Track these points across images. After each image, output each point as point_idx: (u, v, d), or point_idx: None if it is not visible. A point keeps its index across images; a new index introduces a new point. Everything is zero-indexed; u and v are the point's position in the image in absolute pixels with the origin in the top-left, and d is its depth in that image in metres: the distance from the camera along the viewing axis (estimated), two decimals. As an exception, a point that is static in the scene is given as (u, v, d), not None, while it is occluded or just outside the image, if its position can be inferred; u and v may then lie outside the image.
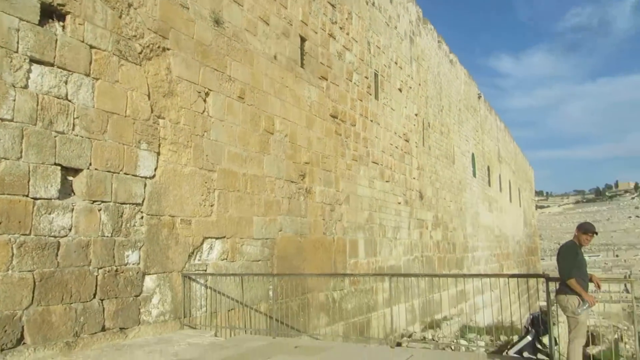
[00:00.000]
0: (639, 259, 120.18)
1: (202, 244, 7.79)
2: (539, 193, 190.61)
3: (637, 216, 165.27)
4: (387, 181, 14.68)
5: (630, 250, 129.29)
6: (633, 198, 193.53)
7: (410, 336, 13.39)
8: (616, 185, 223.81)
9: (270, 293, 8.47)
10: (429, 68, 19.12)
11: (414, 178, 16.79)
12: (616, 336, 21.14)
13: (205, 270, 7.83)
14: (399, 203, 15.52)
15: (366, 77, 13.76)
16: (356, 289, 12.46)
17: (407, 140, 16.40)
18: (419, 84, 17.88)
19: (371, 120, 13.90)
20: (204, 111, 8.03)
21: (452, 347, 10.49)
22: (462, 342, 11.38)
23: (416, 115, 17.44)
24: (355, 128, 12.96)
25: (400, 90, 16.11)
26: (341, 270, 11.64)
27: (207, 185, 7.96)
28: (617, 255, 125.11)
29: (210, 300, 7.80)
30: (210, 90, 8.19)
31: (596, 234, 5.78)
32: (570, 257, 5.58)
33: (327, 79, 11.72)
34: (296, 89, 10.52)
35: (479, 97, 27.09)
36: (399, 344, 10.63)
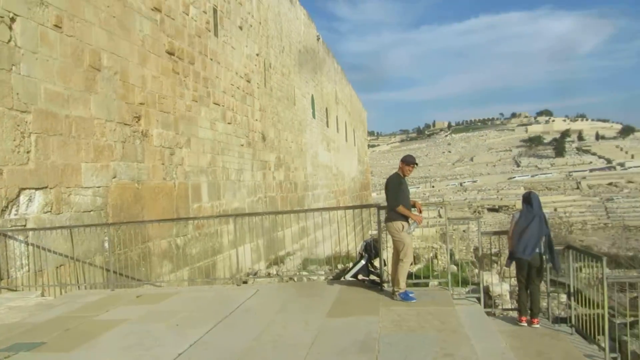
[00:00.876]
0: (450, 188, 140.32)
1: (18, 196, 6.83)
2: (370, 133, 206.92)
3: (450, 152, 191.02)
4: (229, 123, 14.41)
5: (443, 181, 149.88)
6: (446, 136, 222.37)
7: (256, 274, 13.84)
8: (434, 124, 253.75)
9: (106, 244, 7.90)
10: (270, 7, 18.78)
11: (256, 120, 16.76)
12: (432, 255, 24.64)
13: (25, 226, 6.92)
14: (242, 145, 15.45)
15: (204, 12, 12.98)
16: (201, 233, 12.31)
17: (248, 81, 16.15)
18: (260, 23, 17.51)
19: (211, 59, 13.30)
20: (10, 40, 6.79)
21: (295, 279, 11.13)
22: (304, 273, 12.14)
23: (257, 55, 17.17)
24: (194, 67, 12.29)
25: (240, 28, 15.60)
26: (184, 215, 11.33)
27: (21, 128, 6.89)
28: (433, 186, 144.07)
29: (34, 258, 6.98)
30: (17, 15, 6.91)
31: (417, 165, 6.47)
32: (396, 187, 6.22)
33: (161, 11, 10.75)
34: (125, 21, 9.47)
35: (318, 39, 27.67)
36: (245, 282, 10.93)
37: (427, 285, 7.54)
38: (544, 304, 7.53)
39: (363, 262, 6.73)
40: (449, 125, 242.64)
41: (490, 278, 13.76)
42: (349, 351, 4.39)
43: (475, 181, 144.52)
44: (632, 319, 10.98)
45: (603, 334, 5.62)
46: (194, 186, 12.08)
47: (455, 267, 21.72)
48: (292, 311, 5.96)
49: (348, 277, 6.91)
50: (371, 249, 6.87)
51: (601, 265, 5.60)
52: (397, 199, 6.14)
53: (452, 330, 4.99)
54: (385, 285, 6.66)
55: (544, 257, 6.34)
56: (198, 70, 12.53)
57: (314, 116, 26.10)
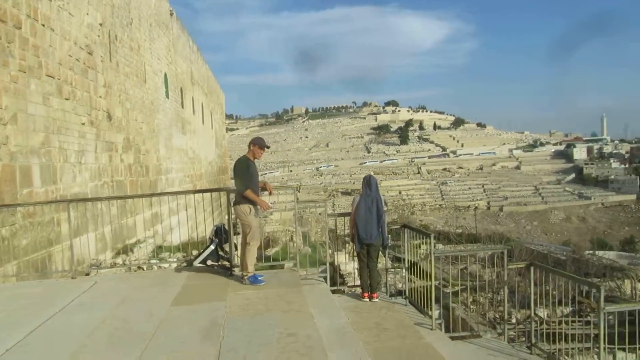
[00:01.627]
0: (307, 173, 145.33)
1: None
2: (229, 116, 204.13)
3: (307, 137, 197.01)
4: (67, 99, 12.93)
5: (301, 165, 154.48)
6: (304, 121, 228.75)
7: (100, 265, 12.79)
8: (292, 110, 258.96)
9: None
10: (115, -27, 17.18)
11: (100, 97, 15.31)
12: (288, 237, 25.23)
13: None
14: (84, 124, 14.01)
15: (33, -30, 11.35)
16: (32, 222, 10.92)
17: (90, 53, 14.64)
18: (104, -10, 15.94)
19: (43, 25, 11.73)
20: None
21: (145, 268, 10.54)
22: (154, 261, 11.55)
23: (101, 25, 15.63)
24: (21, 32, 10.71)
25: (79, -7, 14.01)
26: (10, 202, 9.92)
27: None
28: (291, 171, 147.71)
29: None
30: None
31: (268, 147, 6.49)
32: (244, 171, 6.18)
33: (-26, -37, 9.13)
34: None
35: (171, 14, 26.19)
36: (87, 274, 10.01)
37: (283, 267, 7.70)
38: (390, 280, 8.20)
39: (212, 247, 6.61)
40: (307, 112, 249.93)
41: (341, 258, 14.57)
42: (192, 339, 4.28)
43: (330, 166, 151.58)
44: (459, 287, 12.54)
45: (432, 303, 6.31)
46: (22, 169, 10.64)
47: (309, 249, 22.54)
48: (135, 302, 5.62)
49: (197, 263, 6.73)
50: (221, 233, 6.77)
51: (430, 241, 6.24)
52: (244, 183, 6.10)
53: (298, 310, 5.15)
54: (236, 269, 6.63)
55: (379, 236, 6.87)
56: (26, 36, 10.96)
57: (167, 96, 24.76)
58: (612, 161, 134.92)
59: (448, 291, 12.00)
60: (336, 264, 12.72)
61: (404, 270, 7.37)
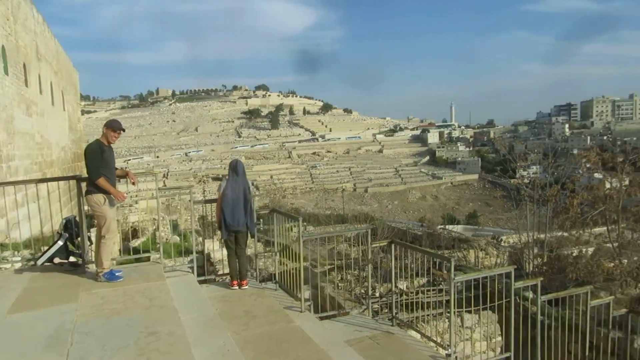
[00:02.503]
0: (176, 158, 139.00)
1: None
2: (85, 97, 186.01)
3: (174, 121, 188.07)
4: None
5: (168, 151, 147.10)
6: (170, 104, 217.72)
7: None
8: (157, 92, 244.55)
9: None
10: None
11: None
12: (154, 227, 23.85)
13: None
14: None
15: None
16: None
17: None
18: None
19: None
20: None
21: (-21, 271, 9.11)
22: (-9, 262, 10.05)
23: None
24: None
25: None
26: None
27: None
28: (158, 156, 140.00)
29: None
30: None
31: (123, 130, 5.92)
32: (96, 157, 5.56)
33: None
34: None
35: (7, -21, 22.76)
36: None
37: (149, 259, 7.18)
38: (262, 265, 8.11)
39: (60, 242, 5.90)
40: (173, 94, 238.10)
41: (213, 245, 14.14)
42: (33, 350, 3.75)
43: (200, 151, 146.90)
44: (327, 267, 12.95)
45: (301, 285, 6.36)
46: None
47: (177, 238, 21.66)
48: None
49: (42, 261, 5.96)
50: (72, 227, 6.07)
51: (298, 224, 6.27)
52: (97, 170, 5.50)
53: (161, 305, 4.82)
54: (90, 266, 6.01)
55: (247, 223, 6.74)
56: None
57: (6, 72, 21.64)
58: (459, 145, 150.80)
59: (318, 271, 12.36)
60: (207, 252, 12.32)
61: (274, 254, 7.35)
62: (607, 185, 13.38)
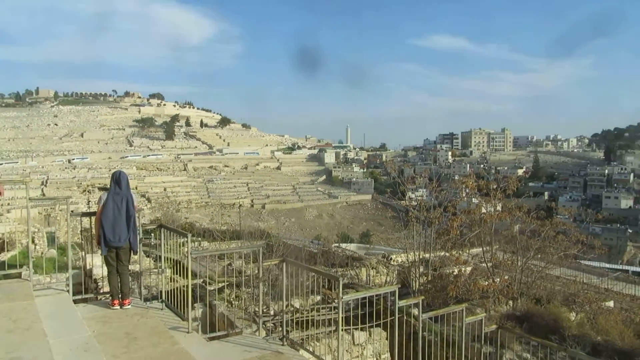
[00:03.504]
0: (57, 165, 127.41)
1: None
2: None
3: (56, 125, 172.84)
4: None
5: (48, 156, 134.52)
6: (52, 106, 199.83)
7: None
8: (37, 91, 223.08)
9: None
10: None
11: None
12: (29, 239, 21.49)
13: None
14: None
15: None
16: None
17: None
18: None
19: None
20: None
21: None
22: None
23: None
24: None
25: None
26: None
27: None
28: (36, 162, 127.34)
29: None
30: None
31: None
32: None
33: None
34: None
35: None
36: None
37: (20, 276, 6.37)
38: (152, 281, 7.58)
39: None
40: (56, 96, 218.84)
41: (94, 260, 13.00)
42: None
43: (85, 158, 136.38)
44: (221, 284, 12.52)
45: (188, 304, 6.05)
46: None
47: (55, 252, 19.74)
48: None
49: None
50: None
51: (187, 241, 5.97)
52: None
53: (26, 328, 4.29)
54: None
55: (129, 239, 6.29)
56: None
57: None
58: (354, 166, 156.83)
59: (212, 288, 11.92)
60: (89, 267, 11.33)
61: (162, 271, 6.92)
62: (483, 210, 14.64)
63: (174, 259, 6.74)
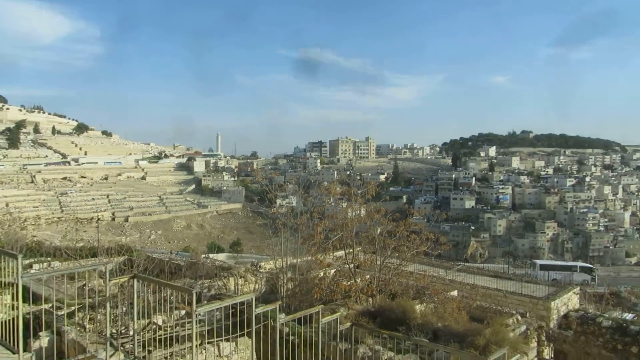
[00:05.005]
0: None
1: None
2: None
3: None
4: None
5: None
6: None
7: None
8: None
9: None
10: None
11: None
12: None
13: None
14: None
15: None
16: None
17: None
18: None
19: None
20: None
21: None
22: None
23: None
24: None
25: None
26: None
27: None
28: None
29: None
30: None
31: None
32: None
33: None
34: None
35: None
36: None
37: None
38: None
39: None
40: None
41: None
42: None
43: None
44: (71, 308, 11.49)
45: (19, 334, 5.42)
46: None
47: None
48: None
49: None
50: None
51: (17, 263, 5.35)
52: None
53: None
54: None
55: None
56: None
57: None
58: (224, 174, 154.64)
59: (62, 313, 10.88)
60: None
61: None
62: (349, 214, 15.55)
63: (10, 283, 6.04)
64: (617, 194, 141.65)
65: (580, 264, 60.87)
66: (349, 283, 13.11)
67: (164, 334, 7.73)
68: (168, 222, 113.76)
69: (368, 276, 14.85)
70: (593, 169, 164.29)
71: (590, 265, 59.84)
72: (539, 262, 56.52)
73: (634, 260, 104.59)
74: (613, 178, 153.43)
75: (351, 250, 14.84)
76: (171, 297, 9.19)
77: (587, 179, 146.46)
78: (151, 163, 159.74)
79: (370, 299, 12.51)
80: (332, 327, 7.20)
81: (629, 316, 22.52)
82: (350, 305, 12.04)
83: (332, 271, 14.71)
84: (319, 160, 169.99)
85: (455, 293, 15.88)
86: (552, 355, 15.98)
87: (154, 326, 8.58)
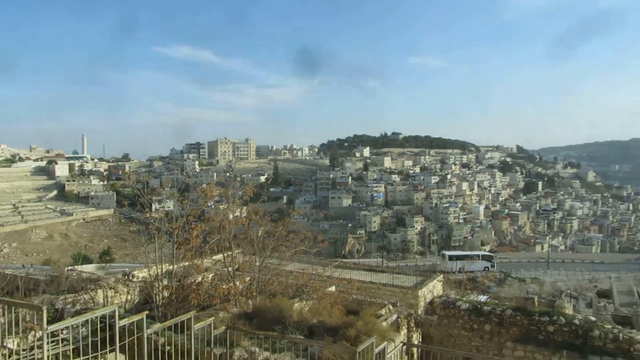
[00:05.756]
0: None
1: None
2: None
3: None
4: None
5: None
6: None
7: None
8: None
9: None
10: None
11: None
12: None
13: None
14: None
15: None
16: None
17: None
18: None
19: None
20: None
21: None
22: None
23: None
24: None
25: None
26: None
27: None
28: None
29: None
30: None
31: None
32: None
33: None
34: None
35: None
36: None
37: None
38: None
39: None
40: None
41: None
42: None
43: None
44: None
45: None
46: None
47: None
48: None
49: None
50: None
51: None
52: None
53: None
54: None
55: None
56: None
57: None
58: (92, 178, 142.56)
59: None
60: None
61: None
62: (231, 216, 15.31)
63: None
64: (473, 189, 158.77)
65: (482, 252, 67.34)
66: (227, 286, 12.92)
67: (19, 359, 6.97)
68: (25, 233, 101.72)
69: (248, 278, 14.77)
70: (453, 167, 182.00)
71: (490, 254, 66.55)
72: (447, 253, 60.64)
73: (487, 248, 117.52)
74: (469, 175, 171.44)
75: (230, 252, 14.65)
76: (27, 317, 8.26)
77: (449, 176, 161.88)
78: (3, 167, 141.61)
79: (249, 301, 12.46)
80: (206, 333, 7.04)
81: (483, 298, 25.31)
82: (229, 308, 11.88)
83: (211, 275, 14.38)
84: (197, 162, 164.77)
85: (333, 288, 16.48)
86: (420, 340, 17.35)
87: (6, 351, 7.69)
